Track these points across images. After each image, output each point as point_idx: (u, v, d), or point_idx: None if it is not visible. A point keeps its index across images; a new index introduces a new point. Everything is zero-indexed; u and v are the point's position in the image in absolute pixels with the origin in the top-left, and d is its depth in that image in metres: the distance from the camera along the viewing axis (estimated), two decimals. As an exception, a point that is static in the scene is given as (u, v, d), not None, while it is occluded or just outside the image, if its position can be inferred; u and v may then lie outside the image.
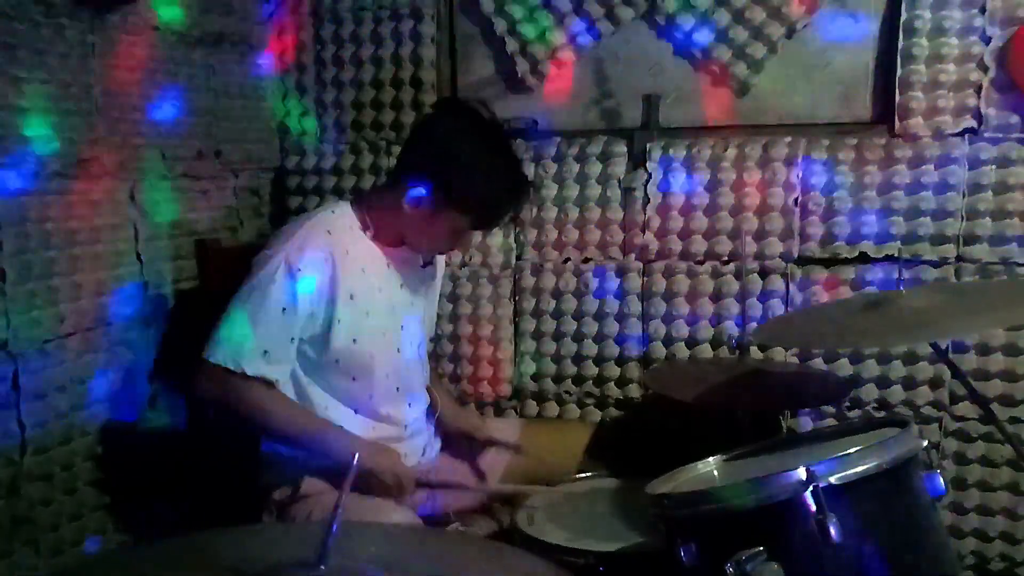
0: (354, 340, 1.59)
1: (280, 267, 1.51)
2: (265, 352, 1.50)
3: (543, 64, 2.14)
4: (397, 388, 1.69)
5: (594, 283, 2.11)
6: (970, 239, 1.88)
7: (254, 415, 1.53)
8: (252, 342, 1.49)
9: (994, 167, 1.86)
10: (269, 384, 1.52)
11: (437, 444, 1.80)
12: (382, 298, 1.63)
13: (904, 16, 1.89)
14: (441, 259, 1.86)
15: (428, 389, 1.81)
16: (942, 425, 1.92)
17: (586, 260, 2.12)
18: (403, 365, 1.69)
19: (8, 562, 1.56)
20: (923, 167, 1.89)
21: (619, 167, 2.08)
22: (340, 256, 1.56)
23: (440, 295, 1.92)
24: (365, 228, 1.62)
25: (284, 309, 1.51)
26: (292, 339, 1.53)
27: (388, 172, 1.68)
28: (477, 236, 1.63)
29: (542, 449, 1.82)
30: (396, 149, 2.08)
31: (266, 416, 1.53)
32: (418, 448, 1.71)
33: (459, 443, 1.81)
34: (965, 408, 1.90)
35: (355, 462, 0.97)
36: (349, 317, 1.57)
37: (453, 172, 1.54)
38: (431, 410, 1.80)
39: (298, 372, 1.60)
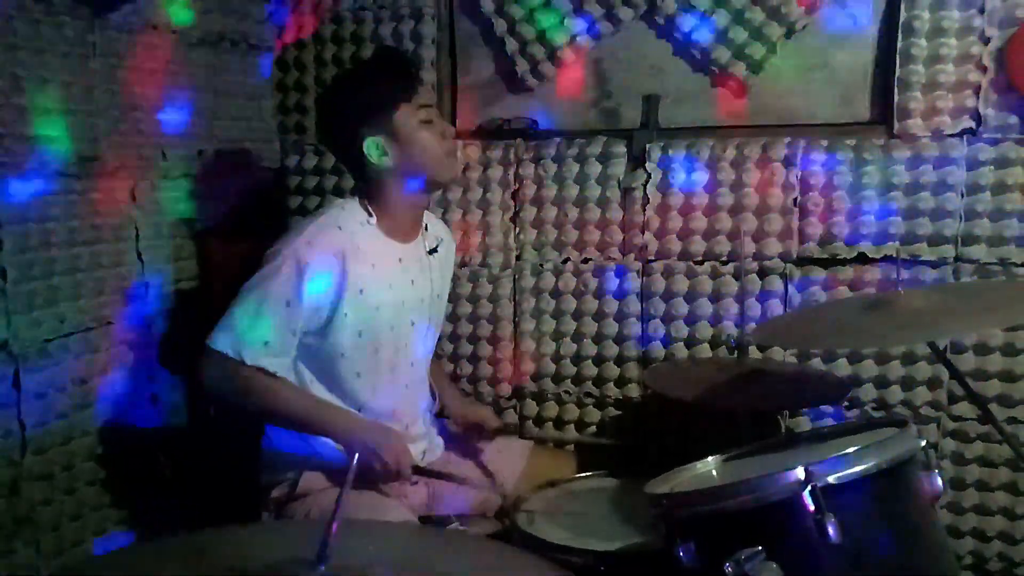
0: (360, 334, 1.60)
1: (287, 261, 1.53)
2: (266, 343, 1.51)
3: (543, 64, 2.14)
4: (406, 385, 1.69)
5: (593, 283, 2.11)
6: (968, 240, 1.88)
7: (255, 400, 1.54)
8: (254, 332, 1.51)
9: (992, 168, 1.85)
10: (268, 374, 1.53)
11: (439, 446, 1.80)
12: (392, 294, 1.64)
13: (903, 16, 1.88)
14: (451, 250, 1.87)
15: (429, 385, 1.81)
16: (940, 425, 1.92)
17: (585, 260, 2.12)
18: (410, 362, 1.70)
19: (9, 562, 1.56)
20: (922, 167, 1.89)
21: (618, 167, 2.08)
22: (351, 251, 1.57)
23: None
24: (370, 217, 1.63)
25: (288, 303, 1.52)
26: (294, 332, 1.54)
27: (347, 166, 1.74)
28: (440, 123, 1.66)
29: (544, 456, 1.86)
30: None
31: (267, 400, 1.54)
32: (419, 448, 1.72)
33: (468, 436, 1.81)
34: (963, 408, 1.90)
35: (354, 461, 0.97)
36: (357, 312, 1.58)
37: (350, 99, 1.63)
38: (432, 409, 1.81)
39: (301, 368, 1.61)
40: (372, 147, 1.62)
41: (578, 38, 2.10)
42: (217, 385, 1.54)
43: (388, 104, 1.61)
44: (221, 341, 1.51)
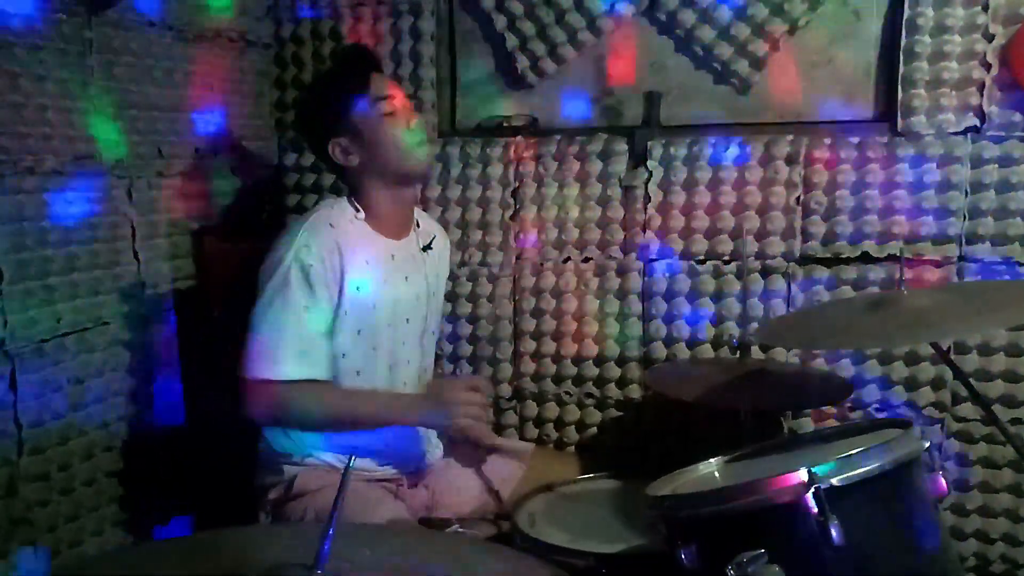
0: (359, 332, 1.59)
1: (292, 267, 1.52)
2: (301, 353, 1.50)
3: (543, 61, 2.12)
4: (404, 383, 1.68)
5: (594, 283, 2.10)
6: (972, 238, 1.87)
7: (312, 414, 1.52)
8: (285, 347, 1.49)
9: (997, 166, 1.84)
10: (313, 383, 1.51)
11: (439, 447, 1.78)
12: (386, 291, 1.63)
13: (907, 13, 1.87)
14: (446, 248, 1.86)
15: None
16: (944, 426, 1.91)
17: (586, 259, 2.11)
18: (407, 360, 1.68)
19: (6, 563, 1.56)
20: (925, 166, 1.88)
21: (620, 165, 2.07)
22: (346, 248, 1.57)
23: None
24: (358, 213, 1.63)
25: (306, 307, 1.51)
26: (320, 334, 1.53)
27: (336, 172, 1.75)
28: (406, 113, 1.66)
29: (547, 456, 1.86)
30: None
31: (323, 410, 1.52)
32: (418, 453, 1.71)
33: (464, 450, 1.80)
34: (967, 409, 1.89)
35: (351, 463, 0.96)
36: (355, 309, 1.58)
37: (311, 108, 1.68)
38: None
39: None
40: (336, 149, 1.62)
41: (579, 34, 2.09)
42: (272, 414, 1.51)
43: (344, 104, 1.60)
44: (258, 368, 1.48)
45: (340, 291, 1.56)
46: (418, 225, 1.75)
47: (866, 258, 1.93)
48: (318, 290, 1.51)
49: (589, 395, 2.14)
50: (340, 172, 1.67)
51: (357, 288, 1.58)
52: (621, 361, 2.10)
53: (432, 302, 1.77)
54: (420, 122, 1.67)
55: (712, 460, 1.44)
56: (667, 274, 2.06)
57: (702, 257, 2.04)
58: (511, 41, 2.13)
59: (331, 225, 1.58)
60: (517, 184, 2.14)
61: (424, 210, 2.04)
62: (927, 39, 1.86)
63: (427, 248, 1.73)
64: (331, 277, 1.54)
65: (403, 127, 1.62)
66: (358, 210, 1.64)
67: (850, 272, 1.94)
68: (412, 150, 1.63)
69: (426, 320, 1.74)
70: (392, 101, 1.62)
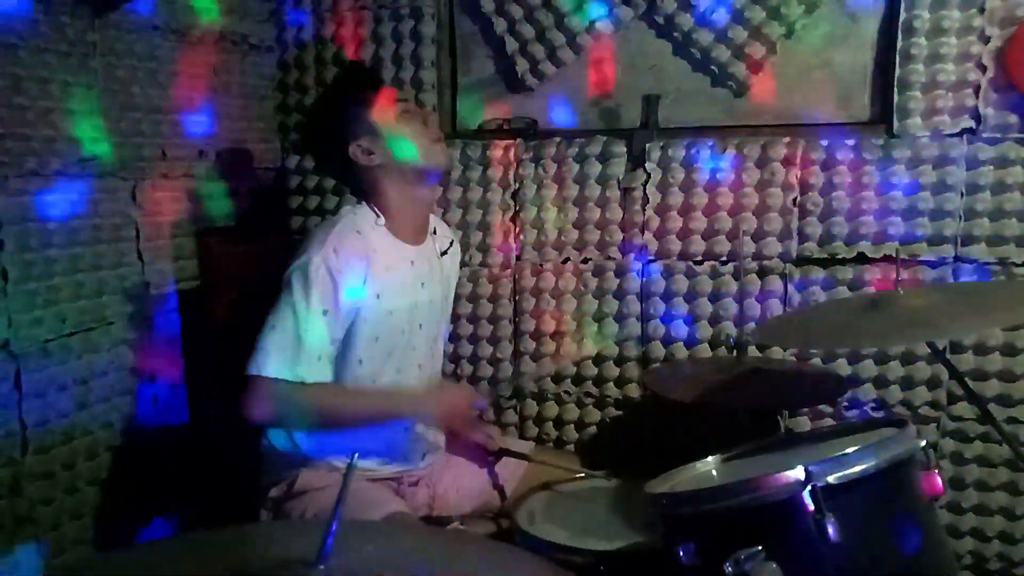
0: (376, 339, 1.60)
1: (319, 271, 1.51)
2: (319, 358, 1.51)
3: (543, 64, 2.14)
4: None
5: (593, 283, 2.12)
6: (968, 239, 1.88)
7: (321, 417, 1.52)
8: (305, 349, 1.48)
9: (992, 167, 1.86)
10: (324, 386, 1.52)
11: (440, 447, 1.79)
12: (405, 297, 1.64)
13: (903, 16, 1.89)
14: (457, 253, 1.88)
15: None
16: (940, 425, 1.93)
17: (585, 260, 2.13)
18: (417, 364, 1.70)
19: (10, 561, 1.57)
20: (921, 167, 1.89)
21: (618, 167, 2.08)
22: (372, 255, 1.58)
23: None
24: (379, 219, 1.64)
25: (325, 311, 1.51)
26: (332, 342, 1.54)
27: (344, 182, 1.80)
28: (421, 113, 1.74)
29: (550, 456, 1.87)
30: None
31: (334, 412, 1.54)
32: (420, 450, 1.72)
33: (465, 448, 1.80)
34: (963, 408, 1.91)
35: (354, 460, 0.97)
36: (374, 316, 1.58)
37: (326, 116, 1.68)
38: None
39: None
40: (357, 150, 1.62)
41: (578, 38, 2.10)
42: (281, 413, 1.50)
43: (362, 105, 1.62)
44: (271, 367, 1.47)
45: (362, 298, 1.56)
46: (435, 231, 1.76)
47: (862, 259, 1.95)
48: (340, 296, 1.51)
49: (588, 394, 2.16)
50: (356, 179, 1.66)
51: (377, 296, 1.58)
52: (620, 361, 2.12)
53: (443, 306, 1.79)
54: (435, 120, 1.72)
55: (709, 458, 1.45)
56: (665, 275, 2.07)
57: (700, 258, 2.05)
58: (511, 44, 2.15)
59: (358, 232, 1.58)
60: (517, 186, 2.15)
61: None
62: (923, 41, 1.88)
63: (444, 254, 1.76)
64: (355, 284, 1.54)
65: (420, 125, 1.65)
66: (379, 216, 1.64)
67: (846, 273, 1.96)
68: (430, 145, 1.65)
69: (438, 325, 1.76)
70: (406, 103, 1.68)
